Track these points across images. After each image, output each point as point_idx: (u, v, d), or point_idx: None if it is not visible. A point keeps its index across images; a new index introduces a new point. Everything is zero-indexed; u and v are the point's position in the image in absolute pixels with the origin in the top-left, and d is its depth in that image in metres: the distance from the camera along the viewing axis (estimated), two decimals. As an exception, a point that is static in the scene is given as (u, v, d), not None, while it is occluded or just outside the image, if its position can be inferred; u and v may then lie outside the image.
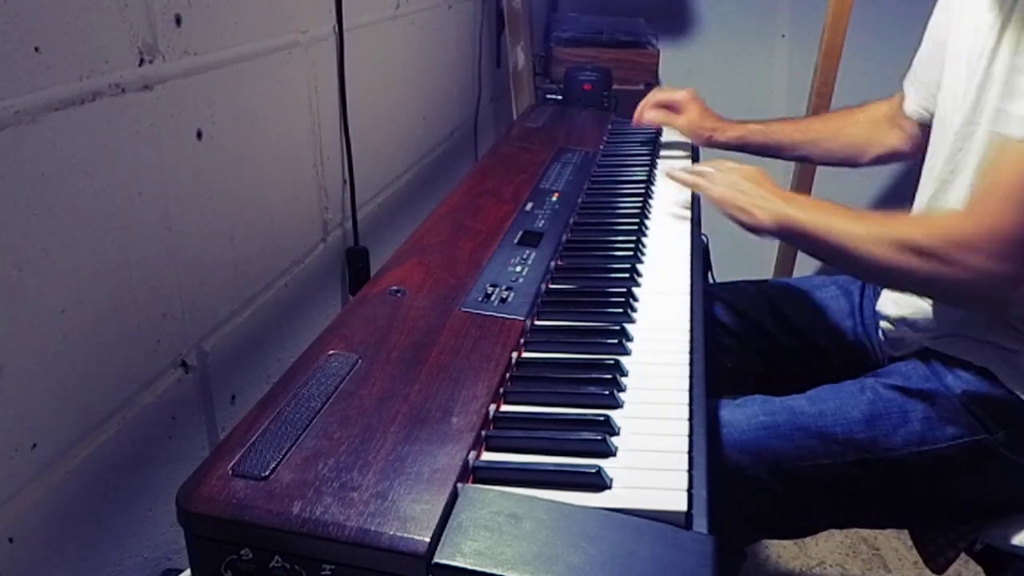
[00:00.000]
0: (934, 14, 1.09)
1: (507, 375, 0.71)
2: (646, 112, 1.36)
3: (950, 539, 0.98)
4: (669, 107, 1.35)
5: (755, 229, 0.97)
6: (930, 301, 0.98)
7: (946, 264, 0.82)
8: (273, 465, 0.57)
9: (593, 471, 0.59)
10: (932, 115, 1.05)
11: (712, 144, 1.33)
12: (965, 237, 0.81)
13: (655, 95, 1.39)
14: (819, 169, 1.97)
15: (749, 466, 0.91)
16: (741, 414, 0.94)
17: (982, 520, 0.95)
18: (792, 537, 1.57)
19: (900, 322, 1.03)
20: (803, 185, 1.99)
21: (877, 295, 1.11)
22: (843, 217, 0.90)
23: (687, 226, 1.07)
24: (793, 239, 0.96)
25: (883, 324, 1.08)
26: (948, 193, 0.95)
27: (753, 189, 0.98)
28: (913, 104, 1.15)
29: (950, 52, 0.98)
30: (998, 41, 0.87)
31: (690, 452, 0.62)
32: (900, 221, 0.88)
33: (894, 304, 1.04)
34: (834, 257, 0.91)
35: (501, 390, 0.69)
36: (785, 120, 1.33)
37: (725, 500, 0.88)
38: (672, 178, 1.11)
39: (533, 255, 0.93)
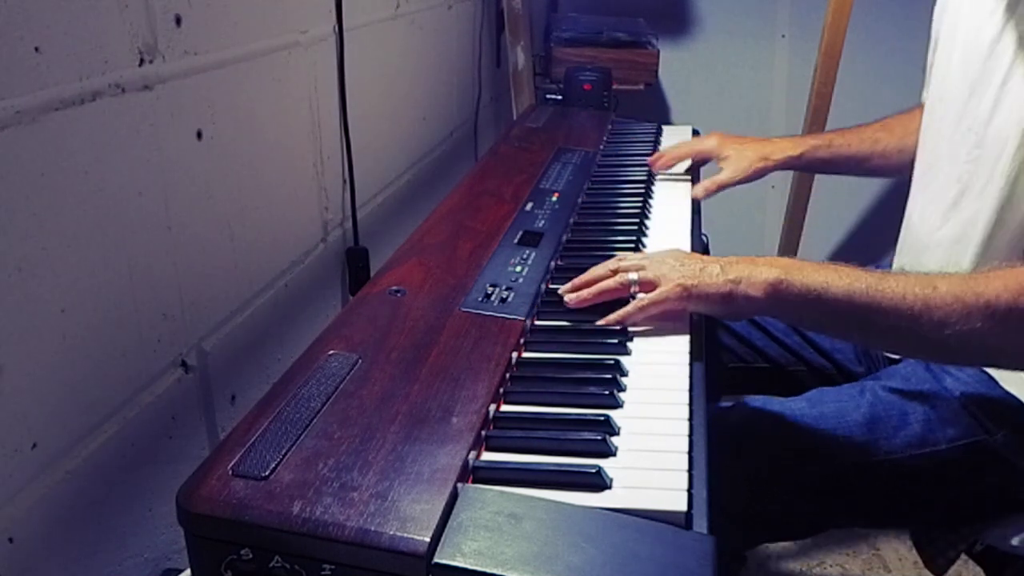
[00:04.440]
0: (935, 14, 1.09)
1: (507, 375, 0.71)
2: (697, 189, 1.18)
3: (950, 540, 0.98)
4: (700, 159, 1.26)
5: (742, 312, 0.79)
6: None
7: None
8: (273, 465, 0.57)
9: (593, 471, 0.59)
10: None
11: (769, 171, 1.17)
12: None
13: (682, 149, 1.23)
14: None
15: (749, 468, 0.91)
16: (740, 416, 0.94)
17: (982, 522, 0.95)
18: (793, 539, 1.57)
19: None
20: (801, 193, 1.99)
21: None
22: (890, 280, 0.74)
23: (687, 226, 1.07)
24: (802, 313, 0.78)
25: None
26: (967, 196, 0.91)
27: (705, 264, 0.79)
28: None
29: (940, 46, 0.98)
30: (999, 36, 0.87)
31: (690, 452, 0.62)
32: (981, 283, 0.71)
33: None
34: (886, 332, 0.75)
35: (501, 390, 0.69)
36: (842, 131, 1.19)
37: (725, 502, 0.88)
38: (598, 296, 0.82)
39: (533, 255, 0.93)
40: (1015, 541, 0.92)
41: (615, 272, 0.82)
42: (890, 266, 1.15)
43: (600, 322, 0.80)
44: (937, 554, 0.99)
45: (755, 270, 0.77)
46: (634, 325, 0.80)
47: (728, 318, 0.83)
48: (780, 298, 0.76)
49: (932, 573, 1.02)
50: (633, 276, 0.81)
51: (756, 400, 0.96)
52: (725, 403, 0.97)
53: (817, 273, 0.75)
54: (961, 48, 0.94)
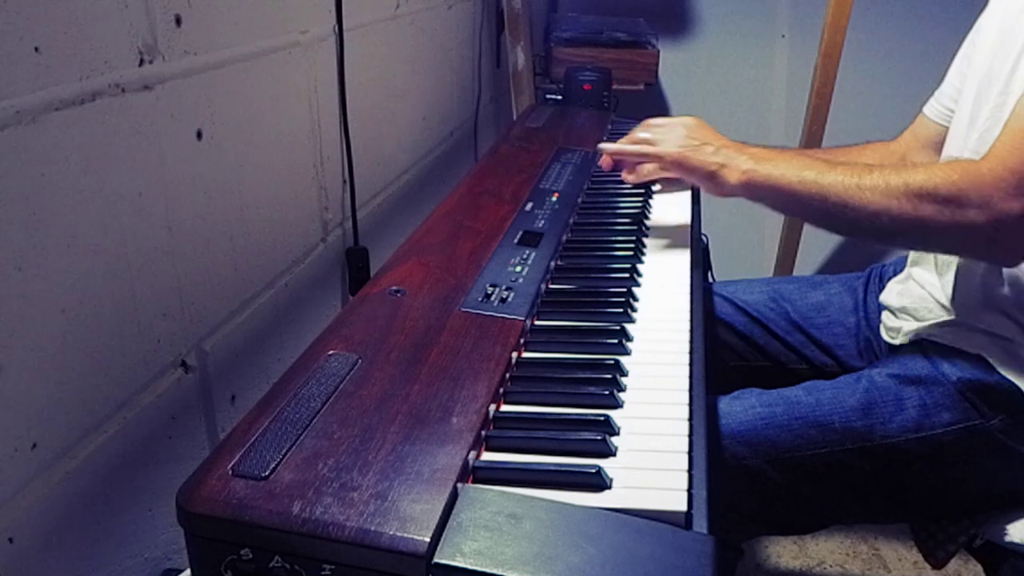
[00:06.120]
0: (968, 37, 1.07)
1: (507, 375, 0.71)
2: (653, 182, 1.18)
3: (950, 534, 0.98)
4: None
5: (722, 191, 0.94)
6: (932, 290, 0.98)
7: (966, 208, 0.79)
8: (273, 465, 0.57)
9: (593, 471, 0.59)
10: (952, 113, 1.04)
11: None
12: (983, 178, 0.79)
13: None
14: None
15: (747, 457, 0.91)
16: (739, 405, 0.94)
17: (981, 512, 0.96)
18: (791, 533, 1.56)
19: (901, 311, 1.03)
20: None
21: (881, 288, 1.11)
22: (835, 170, 0.87)
23: (687, 226, 1.07)
24: (767, 198, 0.92)
25: (884, 314, 1.08)
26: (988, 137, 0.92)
27: (705, 142, 0.96)
28: (936, 106, 1.13)
29: (979, 48, 0.98)
30: None
31: (690, 452, 0.62)
32: (909, 170, 0.84)
33: (898, 296, 1.05)
34: (826, 214, 0.88)
35: (501, 390, 0.69)
36: (828, 148, 1.25)
37: (723, 493, 0.88)
38: (617, 154, 1.09)
39: (533, 255, 0.93)
40: (1014, 537, 0.92)
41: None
42: (893, 266, 1.15)
43: (615, 148, 1.08)
44: (937, 547, 0.99)
45: (737, 158, 0.93)
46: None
47: (708, 192, 0.98)
48: (749, 183, 0.92)
49: (932, 567, 1.02)
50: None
51: (753, 391, 0.97)
52: (722, 396, 0.97)
53: (776, 166, 0.90)
54: (992, 39, 0.94)
